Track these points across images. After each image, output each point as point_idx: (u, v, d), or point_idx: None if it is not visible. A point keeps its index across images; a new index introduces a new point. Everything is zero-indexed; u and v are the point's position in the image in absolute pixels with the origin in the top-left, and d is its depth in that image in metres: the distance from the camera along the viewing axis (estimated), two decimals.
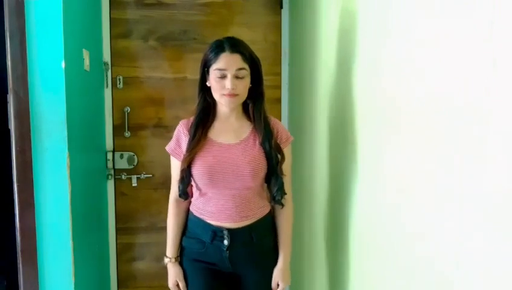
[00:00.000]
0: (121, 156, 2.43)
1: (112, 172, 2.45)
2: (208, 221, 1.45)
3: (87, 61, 1.99)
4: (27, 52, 1.64)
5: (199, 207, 1.48)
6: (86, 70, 1.99)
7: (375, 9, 1.19)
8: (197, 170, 1.41)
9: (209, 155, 1.42)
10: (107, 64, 2.38)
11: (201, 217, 1.47)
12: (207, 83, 1.43)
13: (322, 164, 1.72)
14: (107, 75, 2.39)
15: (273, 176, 1.46)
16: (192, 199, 1.53)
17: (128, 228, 2.49)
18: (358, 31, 1.32)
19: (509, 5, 0.63)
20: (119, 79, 2.41)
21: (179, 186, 1.47)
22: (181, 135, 1.48)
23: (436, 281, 0.85)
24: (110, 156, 2.42)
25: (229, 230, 1.44)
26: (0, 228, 1.92)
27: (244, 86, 1.40)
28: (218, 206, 1.44)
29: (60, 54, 1.66)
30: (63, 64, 1.66)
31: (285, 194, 1.48)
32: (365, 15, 1.27)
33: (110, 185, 2.46)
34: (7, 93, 1.68)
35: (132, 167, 2.45)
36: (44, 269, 1.72)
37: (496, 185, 0.67)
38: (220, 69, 1.37)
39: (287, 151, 1.49)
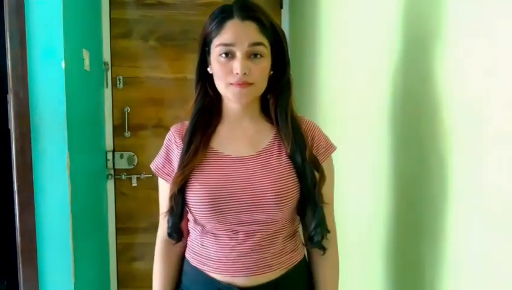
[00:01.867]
0: (121, 156, 2.43)
1: (112, 172, 2.44)
2: (211, 275, 0.97)
3: (87, 61, 1.99)
4: (27, 52, 1.64)
5: (198, 253, 1.00)
6: (86, 70, 1.99)
7: (374, 9, 1.19)
8: (193, 196, 0.95)
9: (212, 173, 0.96)
10: (107, 64, 2.38)
11: (200, 268, 0.99)
12: (208, 69, 0.99)
13: None
14: (107, 75, 2.39)
15: (309, 205, 0.98)
16: (188, 241, 1.05)
17: (128, 228, 2.49)
18: (358, 31, 1.32)
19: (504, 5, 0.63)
20: (119, 79, 2.41)
21: (168, 221, 1.00)
22: (172, 146, 1.02)
23: None
24: (110, 156, 2.42)
25: None
26: (0, 228, 1.92)
27: (261, 71, 0.94)
28: (227, 252, 0.95)
29: (60, 54, 1.66)
30: (63, 64, 1.66)
31: (328, 232, 1.00)
32: (365, 15, 1.27)
33: (110, 185, 2.46)
34: (7, 93, 1.68)
35: (132, 167, 2.45)
36: (44, 269, 1.72)
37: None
38: (224, 44, 0.92)
39: (327, 166, 1.01)
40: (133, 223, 2.49)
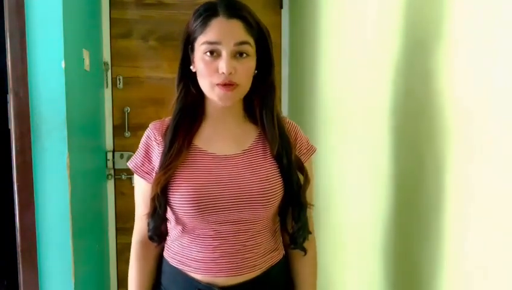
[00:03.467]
0: (121, 156, 2.43)
1: (112, 172, 2.45)
2: (192, 274, 0.95)
3: (87, 61, 1.99)
4: (27, 52, 1.64)
5: (178, 252, 0.98)
6: (86, 70, 1.99)
7: (374, 9, 1.19)
8: (178, 195, 0.92)
9: (197, 171, 0.93)
10: (107, 64, 2.38)
11: (181, 267, 0.97)
12: (191, 67, 0.96)
13: (323, 166, 1.71)
14: (107, 75, 2.39)
15: (294, 207, 0.98)
16: (168, 240, 1.01)
17: (128, 228, 2.47)
18: (359, 31, 1.32)
19: (507, 4, 0.63)
20: (119, 79, 2.41)
21: (148, 223, 0.97)
22: (152, 143, 0.98)
23: None
24: (110, 156, 2.42)
25: (224, 289, 0.94)
26: (0, 228, 1.92)
27: (247, 71, 0.92)
28: (209, 253, 0.93)
29: (60, 54, 1.66)
30: (63, 64, 1.66)
31: (310, 233, 1.02)
32: (365, 14, 1.27)
33: (110, 185, 2.46)
34: (7, 93, 1.68)
35: None
36: (44, 269, 1.72)
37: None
38: (210, 42, 0.89)
39: (308, 167, 1.02)
40: (133, 223, 2.48)
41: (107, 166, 2.42)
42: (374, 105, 1.18)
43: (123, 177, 2.44)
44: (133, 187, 2.54)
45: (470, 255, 0.74)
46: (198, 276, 0.94)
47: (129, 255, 1.06)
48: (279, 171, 0.97)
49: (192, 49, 0.95)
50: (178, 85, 0.99)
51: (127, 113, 2.43)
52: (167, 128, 0.97)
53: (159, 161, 0.95)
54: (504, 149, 0.64)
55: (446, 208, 0.81)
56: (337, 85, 1.56)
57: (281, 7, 2.49)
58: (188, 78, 0.98)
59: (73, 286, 1.74)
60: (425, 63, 0.89)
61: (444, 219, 0.82)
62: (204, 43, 0.90)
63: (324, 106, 1.73)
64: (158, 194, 0.92)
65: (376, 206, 1.18)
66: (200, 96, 0.98)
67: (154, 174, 0.96)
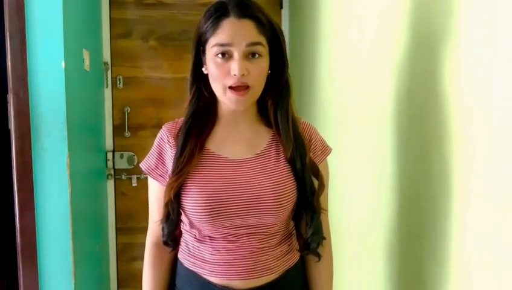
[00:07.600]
0: (121, 156, 2.43)
1: (112, 172, 2.45)
2: (207, 277, 0.94)
3: (87, 61, 1.99)
4: (27, 52, 1.64)
5: (193, 255, 0.97)
6: (86, 70, 1.99)
7: (375, 9, 1.19)
8: (191, 200, 0.91)
9: (209, 176, 0.92)
10: (107, 64, 2.38)
11: (195, 270, 0.96)
12: (203, 69, 0.95)
13: None
14: (107, 75, 2.39)
15: (307, 211, 0.96)
16: (182, 242, 1.01)
17: (128, 228, 2.49)
18: (359, 30, 1.32)
19: (509, 5, 0.63)
20: (119, 79, 2.41)
21: (162, 228, 0.96)
22: (165, 145, 0.97)
23: None
24: (110, 156, 2.42)
25: None
26: (0, 228, 1.92)
27: (260, 72, 0.90)
28: (224, 255, 0.93)
29: (60, 54, 1.66)
30: (63, 64, 1.66)
31: (324, 239, 0.99)
32: (365, 14, 1.27)
33: (110, 185, 2.46)
34: (7, 93, 1.68)
35: (132, 167, 2.45)
36: (44, 269, 1.72)
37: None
38: (221, 45, 0.87)
39: (323, 168, 1.00)
40: (133, 223, 2.49)
41: (107, 166, 2.42)
42: (375, 105, 1.18)
43: (123, 177, 2.44)
44: (133, 187, 2.55)
45: (474, 256, 0.74)
46: (213, 279, 0.93)
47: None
48: (293, 175, 0.94)
49: (204, 51, 0.93)
50: (191, 88, 0.97)
51: (127, 113, 2.43)
52: (179, 130, 0.96)
53: (172, 164, 0.94)
54: (506, 149, 0.64)
55: (449, 208, 0.81)
56: (337, 85, 1.56)
57: (281, 7, 2.49)
58: (200, 80, 0.96)
59: (73, 286, 1.73)
60: (427, 63, 0.89)
61: (445, 219, 0.82)
62: (215, 45, 0.88)
63: (324, 106, 1.73)
64: (171, 200, 0.92)
65: (377, 206, 1.18)
66: (213, 98, 0.96)
67: (167, 177, 0.95)
